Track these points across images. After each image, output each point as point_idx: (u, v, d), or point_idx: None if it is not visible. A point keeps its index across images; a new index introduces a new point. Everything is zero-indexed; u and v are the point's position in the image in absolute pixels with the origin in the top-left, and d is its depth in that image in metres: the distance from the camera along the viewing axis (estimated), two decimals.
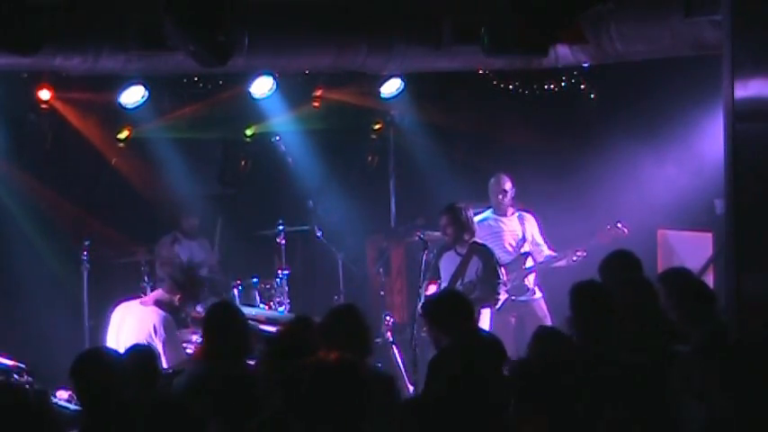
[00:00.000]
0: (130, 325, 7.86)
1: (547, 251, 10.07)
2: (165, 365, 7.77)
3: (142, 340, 7.69)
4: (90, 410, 5.44)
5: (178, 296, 7.98)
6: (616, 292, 6.49)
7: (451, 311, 6.56)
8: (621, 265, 6.92)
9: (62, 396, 6.98)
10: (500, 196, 10.06)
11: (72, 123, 10.01)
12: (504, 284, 9.45)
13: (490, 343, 6.30)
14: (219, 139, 11.64)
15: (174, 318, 8.08)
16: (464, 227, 9.27)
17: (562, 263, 9.96)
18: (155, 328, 7.77)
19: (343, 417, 4.82)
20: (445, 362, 6.04)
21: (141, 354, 6.39)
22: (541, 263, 10.03)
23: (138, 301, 8.07)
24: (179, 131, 10.86)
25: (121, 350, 6.84)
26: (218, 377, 5.91)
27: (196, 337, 8.76)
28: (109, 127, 10.35)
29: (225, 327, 6.49)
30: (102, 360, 5.70)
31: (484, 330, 6.68)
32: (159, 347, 7.75)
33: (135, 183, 10.98)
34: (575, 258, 9.90)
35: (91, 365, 5.57)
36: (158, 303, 7.96)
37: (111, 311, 8.09)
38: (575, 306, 6.43)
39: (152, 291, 8.85)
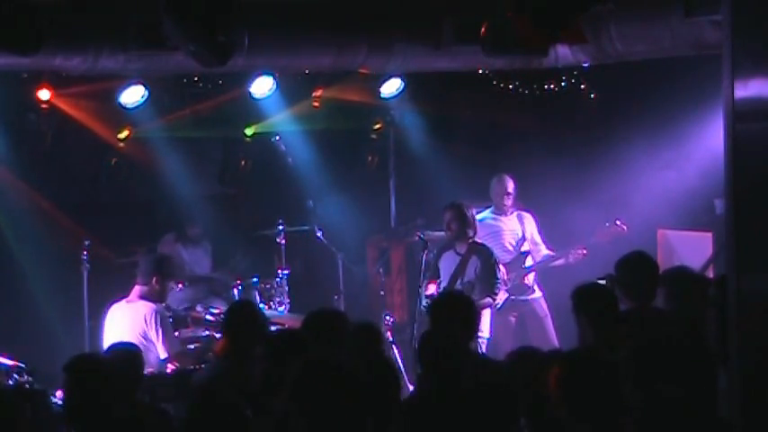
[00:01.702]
0: (123, 324, 7.88)
1: (545, 251, 10.08)
2: (166, 354, 7.81)
3: (137, 335, 7.71)
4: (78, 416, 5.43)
5: (154, 279, 7.99)
6: (636, 291, 6.49)
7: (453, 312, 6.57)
8: (639, 265, 6.84)
9: (62, 396, 6.97)
10: (503, 197, 10.06)
11: (72, 123, 10.01)
12: (504, 284, 9.46)
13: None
14: (219, 138, 11.64)
15: (162, 302, 8.13)
16: (468, 223, 9.32)
17: (561, 261, 9.98)
18: (146, 320, 7.80)
19: (343, 413, 4.84)
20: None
21: (124, 354, 6.34)
22: (539, 262, 10.04)
23: (124, 301, 8.07)
24: (179, 131, 10.86)
25: None
26: (241, 375, 5.93)
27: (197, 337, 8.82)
28: (109, 127, 10.36)
29: (249, 324, 6.51)
30: (96, 367, 5.66)
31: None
32: (155, 337, 7.77)
33: (135, 182, 10.98)
34: (575, 256, 9.91)
35: (86, 371, 5.55)
36: (143, 296, 7.98)
37: (104, 315, 8.12)
38: (579, 309, 6.40)
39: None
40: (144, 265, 8.15)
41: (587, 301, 6.37)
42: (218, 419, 4.84)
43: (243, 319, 6.65)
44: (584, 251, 9.91)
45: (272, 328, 9.00)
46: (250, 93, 10.08)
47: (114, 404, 5.44)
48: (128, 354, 6.27)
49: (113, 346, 6.56)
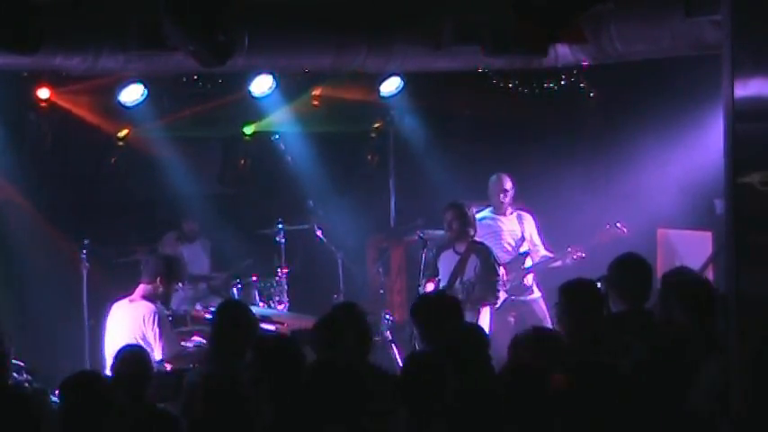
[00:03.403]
0: (123, 324, 7.86)
1: (543, 251, 10.08)
2: (162, 356, 7.80)
3: (136, 335, 7.68)
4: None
5: (159, 279, 7.98)
6: (629, 293, 6.47)
7: (437, 312, 6.54)
8: (632, 266, 6.80)
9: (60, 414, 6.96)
10: (500, 196, 10.07)
11: (72, 122, 10.02)
12: (504, 284, 9.45)
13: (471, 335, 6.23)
14: (219, 138, 11.65)
15: (165, 306, 8.12)
16: (469, 222, 9.32)
17: (559, 263, 9.97)
18: (144, 320, 7.77)
19: (342, 414, 4.86)
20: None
21: (131, 355, 6.33)
22: (537, 263, 10.04)
23: (126, 299, 8.06)
24: (179, 131, 10.86)
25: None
26: (228, 378, 5.91)
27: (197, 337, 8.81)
28: (109, 126, 10.36)
29: (235, 326, 6.49)
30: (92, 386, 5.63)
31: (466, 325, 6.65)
32: (153, 338, 7.75)
33: (135, 182, 10.99)
34: (573, 258, 9.92)
35: (81, 391, 5.52)
36: (146, 297, 7.96)
37: (107, 313, 8.11)
38: (564, 306, 6.39)
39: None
40: (150, 265, 8.11)
41: (573, 299, 6.36)
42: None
43: (227, 320, 6.62)
44: (582, 254, 9.91)
45: (271, 327, 9.05)
46: (250, 92, 10.09)
47: (125, 408, 5.42)
48: (136, 356, 6.26)
49: (121, 350, 6.52)
